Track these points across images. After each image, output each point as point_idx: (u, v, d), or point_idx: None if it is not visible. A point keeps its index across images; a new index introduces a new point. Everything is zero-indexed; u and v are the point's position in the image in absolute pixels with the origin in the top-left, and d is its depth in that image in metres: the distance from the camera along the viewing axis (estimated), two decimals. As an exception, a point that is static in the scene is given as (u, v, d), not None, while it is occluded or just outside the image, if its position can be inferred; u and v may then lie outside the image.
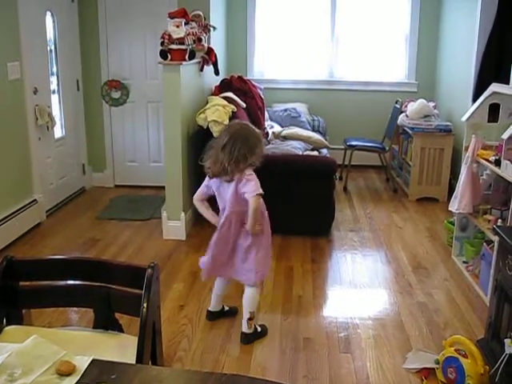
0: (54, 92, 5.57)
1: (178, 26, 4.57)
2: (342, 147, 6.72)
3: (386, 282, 4.09)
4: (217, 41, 6.07)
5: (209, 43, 5.31)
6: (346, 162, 6.54)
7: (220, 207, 3.20)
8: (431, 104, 6.32)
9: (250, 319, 3.25)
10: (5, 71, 4.53)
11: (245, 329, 3.26)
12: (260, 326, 3.35)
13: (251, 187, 3.00)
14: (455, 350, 2.82)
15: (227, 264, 3.21)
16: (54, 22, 5.48)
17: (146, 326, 1.94)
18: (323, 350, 3.17)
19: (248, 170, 3.04)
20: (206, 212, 3.24)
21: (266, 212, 3.23)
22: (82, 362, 1.60)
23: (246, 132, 3.05)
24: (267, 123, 6.30)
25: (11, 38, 4.63)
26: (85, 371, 1.56)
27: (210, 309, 3.48)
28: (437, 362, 2.89)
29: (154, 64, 5.73)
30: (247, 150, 2.99)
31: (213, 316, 3.47)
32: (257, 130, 3.13)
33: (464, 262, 4.29)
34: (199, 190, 3.25)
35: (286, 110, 6.77)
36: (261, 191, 3.02)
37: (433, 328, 3.42)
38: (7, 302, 2.16)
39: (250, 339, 3.25)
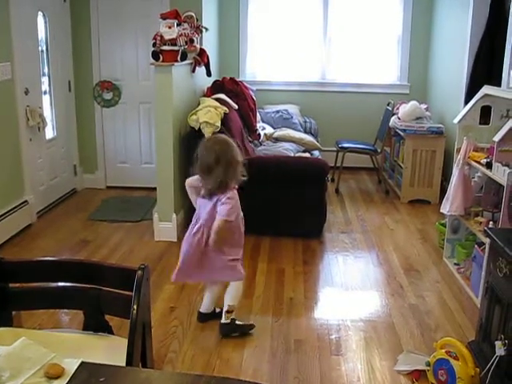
0: (45, 93, 5.54)
1: (170, 27, 4.56)
2: (334, 149, 6.72)
3: (378, 283, 4.09)
4: (209, 42, 6.06)
5: (201, 44, 5.30)
6: (338, 164, 6.54)
7: (196, 211, 3.28)
8: (423, 106, 6.34)
9: (227, 312, 3.30)
10: (-5, 72, 4.52)
11: (223, 320, 3.31)
12: (248, 323, 3.37)
13: (224, 210, 3.07)
14: (446, 352, 2.82)
15: (203, 267, 3.22)
16: (45, 22, 5.46)
17: (136, 327, 1.93)
18: (314, 352, 3.17)
19: (230, 192, 3.09)
20: (194, 199, 3.31)
21: (242, 227, 3.29)
22: (71, 365, 1.58)
23: (231, 157, 3.08)
24: (259, 125, 6.30)
25: (2, 38, 4.60)
26: (73, 374, 1.55)
27: (201, 310, 3.48)
28: (428, 364, 2.89)
29: (145, 65, 5.73)
30: (232, 176, 3.07)
31: (204, 318, 3.46)
32: (238, 151, 3.17)
33: (455, 264, 4.29)
34: (194, 177, 3.26)
35: (278, 112, 6.78)
36: (231, 219, 3.08)
37: (424, 330, 3.42)
38: (-4, 304, 2.15)
39: (225, 330, 3.30)
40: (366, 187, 6.69)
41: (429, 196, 6.02)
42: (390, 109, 6.46)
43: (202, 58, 5.22)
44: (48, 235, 4.87)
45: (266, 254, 4.53)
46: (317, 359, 3.10)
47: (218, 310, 3.49)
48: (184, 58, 4.70)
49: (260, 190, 4.65)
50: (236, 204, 3.14)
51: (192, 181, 3.28)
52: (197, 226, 3.21)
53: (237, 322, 3.33)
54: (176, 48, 4.57)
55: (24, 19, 4.96)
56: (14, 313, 2.26)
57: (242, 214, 3.28)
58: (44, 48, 5.50)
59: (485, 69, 5.22)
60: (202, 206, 3.20)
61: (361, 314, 3.62)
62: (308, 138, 6.16)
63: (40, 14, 5.35)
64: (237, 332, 3.31)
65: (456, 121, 4.25)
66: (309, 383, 2.89)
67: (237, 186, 3.15)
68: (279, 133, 6.15)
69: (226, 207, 3.06)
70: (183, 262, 3.22)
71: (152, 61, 4.56)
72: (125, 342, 1.94)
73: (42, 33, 5.43)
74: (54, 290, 2.25)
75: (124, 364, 1.87)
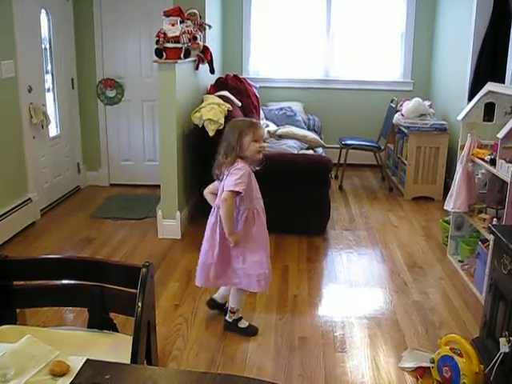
0: (48, 90, 5.55)
1: (173, 25, 4.56)
2: (338, 146, 6.73)
3: (382, 280, 4.09)
4: (212, 39, 6.06)
5: (204, 42, 5.30)
6: (342, 161, 6.54)
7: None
8: (427, 103, 6.33)
9: (230, 312, 3.30)
10: (-1, 69, 4.52)
11: (227, 317, 3.32)
12: (250, 325, 3.34)
13: (230, 181, 2.95)
14: (450, 349, 2.82)
15: (221, 268, 3.15)
16: (48, 20, 5.46)
17: (140, 325, 1.93)
18: (318, 349, 3.17)
19: (238, 163, 2.99)
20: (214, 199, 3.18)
21: (263, 216, 3.17)
22: (76, 362, 1.58)
23: (232, 125, 3.05)
24: (262, 122, 6.29)
25: (5, 36, 4.60)
26: (79, 371, 1.55)
27: (214, 296, 3.46)
28: (432, 361, 2.89)
29: (149, 62, 5.74)
30: (233, 141, 2.97)
31: (213, 305, 3.45)
32: (247, 120, 3.10)
33: (459, 261, 4.29)
34: (211, 185, 3.21)
35: (281, 109, 6.77)
36: (237, 189, 2.93)
37: (428, 327, 3.42)
38: (1, 302, 2.15)
39: (227, 328, 3.32)
40: (369, 184, 6.68)
41: (432, 193, 6.02)
42: (394, 106, 6.45)
43: (205, 55, 5.22)
44: (52, 233, 4.87)
45: (269, 252, 4.51)
46: (321, 356, 3.10)
47: (227, 305, 3.47)
48: (187, 55, 4.70)
49: (263, 188, 4.64)
50: (245, 176, 2.97)
51: (212, 187, 3.19)
52: (212, 209, 3.15)
53: (239, 325, 3.31)
54: (179, 45, 4.57)
55: (27, 17, 4.96)
56: (18, 310, 2.26)
57: (260, 199, 3.14)
58: (47, 46, 5.50)
59: (488, 65, 5.21)
60: (218, 189, 3.11)
61: (365, 310, 3.62)
62: (311, 135, 6.15)
63: (43, 11, 5.35)
64: (238, 333, 3.30)
65: (460, 118, 4.24)
66: (313, 380, 2.89)
67: (249, 164, 3.05)
68: (282, 130, 6.14)
69: (233, 177, 2.93)
70: (201, 262, 3.17)
71: (155, 58, 4.56)
72: (129, 339, 1.95)
73: (45, 30, 5.44)
74: (58, 287, 2.26)
75: (129, 361, 1.88)
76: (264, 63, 7.44)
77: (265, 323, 3.42)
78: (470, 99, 4.91)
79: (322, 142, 6.12)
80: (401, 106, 6.46)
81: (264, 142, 3.11)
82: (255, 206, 3.11)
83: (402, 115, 6.25)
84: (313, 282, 4.05)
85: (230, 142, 2.97)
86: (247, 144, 2.98)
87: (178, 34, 4.54)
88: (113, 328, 2.22)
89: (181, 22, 4.67)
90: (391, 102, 6.63)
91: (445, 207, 4.27)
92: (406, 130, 6.07)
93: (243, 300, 3.36)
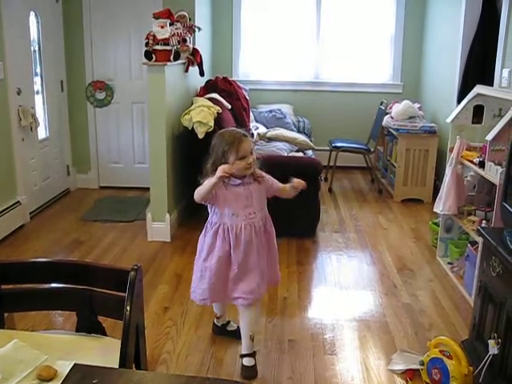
0: (37, 93, 5.52)
1: (162, 27, 4.55)
2: (327, 148, 6.73)
3: (371, 283, 4.09)
4: (202, 42, 6.05)
5: (194, 44, 5.29)
6: (331, 163, 6.55)
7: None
8: (416, 105, 6.35)
9: (216, 317, 3.28)
10: (-13, 72, 4.49)
11: (215, 321, 3.30)
12: (239, 328, 3.31)
13: None
14: (440, 351, 2.83)
15: (224, 284, 2.91)
16: (37, 22, 5.43)
17: (129, 329, 1.92)
18: (308, 351, 3.17)
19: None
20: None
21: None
22: (64, 367, 1.58)
23: (218, 137, 2.83)
24: (252, 124, 6.29)
25: (-6, 38, 4.59)
26: (66, 376, 1.54)
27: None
28: (421, 363, 2.89)
29: (138, 65, 5.72)
30: (218, 159, 2.78)
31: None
32: (231, 135, 2.82)
33: (449, 263, 4.30)
34: None
35: (271, 111, 6.78)
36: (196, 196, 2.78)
37: (417, 329, 3.43)
38: (-12, 306, 2.14)
39: (217, 331, 3.30)
40: (359, 186, 6.69)
41: (422, 195, 6.03)
42: (383, 108, 6.47)
43: (194, 57, 5.21)
44: (41, 236, 4.85)
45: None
46: (311, 359, 3.09)
47: (234, 324, 3.31)
48: (177, 57, 4.69)
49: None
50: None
51: None
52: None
53: (228, 329, 3.30)
54: (169, 48, 4.56)
55: (16, 19, 4.94)
56: (6, 314, 2.24)
57: (238, 216, 2.91)
58: (36, 48, 5.48)
59: (477, 68, 5.24)
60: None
61: (354, 313, 3.62)
62: (301, 137, 6.15)
63: (32, 13, 5.32)
64: (227, 336, 3.28)
65: (449, 120, 4.26)
66: (303, 383, 2.89)
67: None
68: (272, 132, 6.15)
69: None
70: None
71: (145, 60, 4.55)
72: (118, 343, 1.94)
73: (34, 33, 5.41)
74: (47, 291, 2.24)
75: (117, 365, 1.87)
76: (254, 66, 7.45)
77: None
78: (459, 102, 4.93)
79: (311, 144, 6.13)
80: (390, 108, 6.48)
81: (251, 153, 2.87)
82: (224, 221, 2.88)
83: (392, 117, 6.27)
84: (303, 284, 4.05)
85: (216, 161, 2.78)
86: (232, 163, 2.77)
87: (167, 36, 4.54)
88: (101, 332, 2.21)
89: (170, 25, 4.67)
90: (381, 104, 6.65)
91: (434, 209, 4.28)
92: (395, 133, 6.09)
93: (225, 305, 3.27)
